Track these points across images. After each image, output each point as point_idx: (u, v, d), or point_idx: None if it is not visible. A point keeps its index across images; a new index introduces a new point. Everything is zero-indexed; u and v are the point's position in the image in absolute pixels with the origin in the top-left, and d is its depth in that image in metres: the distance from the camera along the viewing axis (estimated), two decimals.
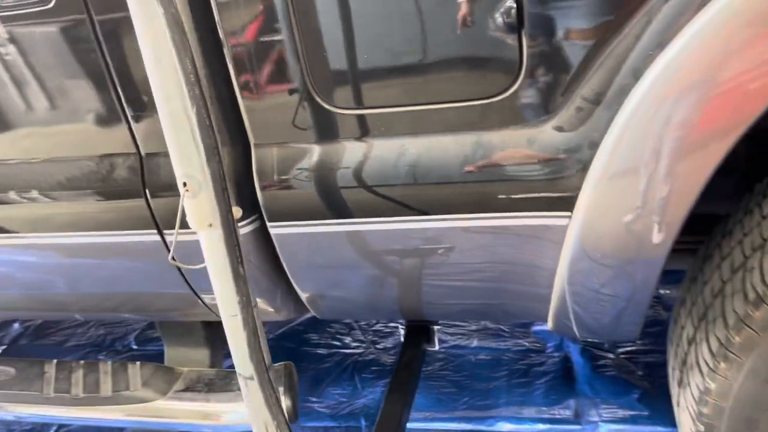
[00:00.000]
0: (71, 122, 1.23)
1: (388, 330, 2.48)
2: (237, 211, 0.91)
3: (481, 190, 1.09)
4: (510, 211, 1.08)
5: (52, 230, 1.34)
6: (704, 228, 1.34)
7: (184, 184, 0.89)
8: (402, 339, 2.37)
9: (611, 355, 2.16)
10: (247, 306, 0.94)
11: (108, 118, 1.20)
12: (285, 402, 1.38)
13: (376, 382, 2.21)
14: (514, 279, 1.23)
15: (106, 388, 1.45)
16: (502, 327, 2.40)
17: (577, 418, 1.94)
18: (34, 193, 1.32)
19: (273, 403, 1.03)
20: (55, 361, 1.55)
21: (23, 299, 1.53)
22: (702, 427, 1.19)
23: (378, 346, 2.39)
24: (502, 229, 1.11)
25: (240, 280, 0.93)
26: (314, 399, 2.16)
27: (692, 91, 0.92)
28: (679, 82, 0.92)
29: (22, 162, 1.31)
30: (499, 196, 1.08)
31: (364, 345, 2.41)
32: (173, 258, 0.93)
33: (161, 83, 0.83)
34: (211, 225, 0.91)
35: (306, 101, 1.11)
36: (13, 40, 1.16)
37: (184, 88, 0.83)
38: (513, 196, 1.07)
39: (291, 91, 1.11)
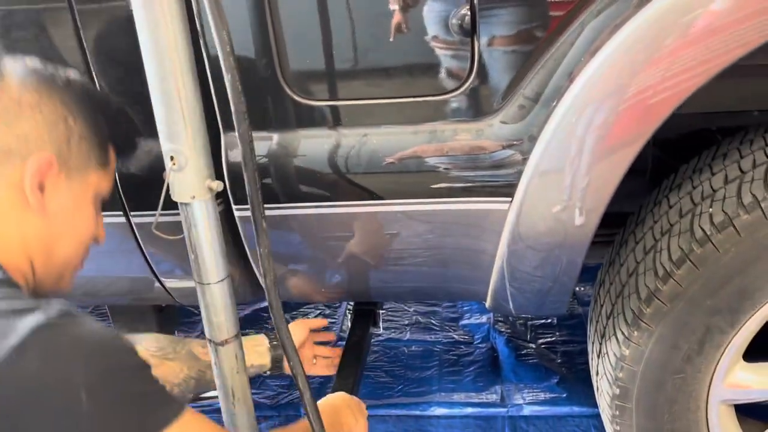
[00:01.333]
0: None
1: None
2: (218, 185, 0.99)
3: (433, 177, 1.21)
4: (458, 197, 1.22)
5: None
6: (617, 222, 1.53)
7: (171, 158, 0.96)
8: (349, 323, 2.47)
9: (533, 345, 2.35)
10: (227, 274, 1.02)
11: None
12: None
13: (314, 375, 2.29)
14: (458, 262, 1.36)
15: None
16: (432, 321, 2.54)
17: (503, 402, 2.10)
18: None
19: (241, 367, 1.10)
20: None
21: None
22: (617, 390, 1.36)
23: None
24: (450, 214, 1.24)
25: (222, 247, 1.01)
26: (254, 390, 2.20)
27: (609, 100, 1.08)
28: (599, 89, 1.08)
29: None
30: (450, 183, 1.21)
31: None
32: (156, 228, 1.00)
33: (157, 64, 0.91)
34: (194, 197, 0.98)
35: (275, 91, 1.20)
36: None
37: (178, 69, 0.91)
38: (462, 183, 1.21)
39: (260, 81, 1.19)
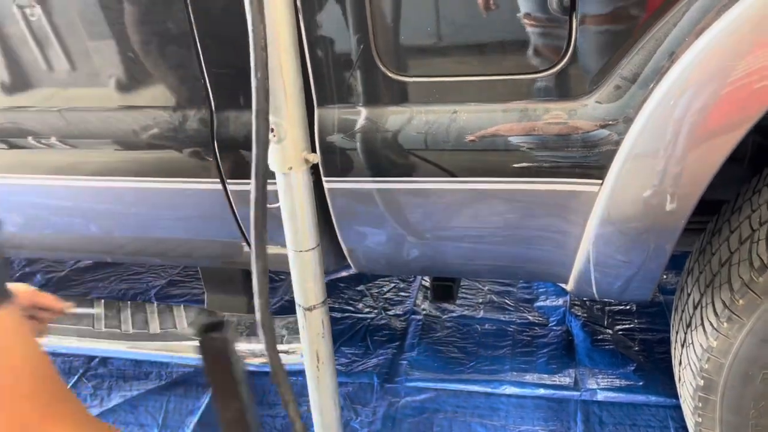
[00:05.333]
0: (151, 75, 1.34)
1: (398, 298, 2.62)
2: (315, 157, 1.03)
3: (522, 156, 1.21)
4: (547, 177, 1.21)
5: (122, 175, 1.45)
6: (708, 210, 1.48)
7: (272, 130, 1.00)
8: (422, 298, 2.52)
9: (609, 331, 2.31)
10: (318, 243, 1.06)
11: (186, 74, 1.30)
12: None
13: (387, 345, 2.34)
14: (541, 244, 1.35)
15: (155, 326, 1.57)
16: (506, 301, 2.54)
17: (576, 386, 2.08)
18: (108, 140, 1.42)
19: (327, 332, 1.15)
20: (103, 300, 1.66)
21: (83, 240, 1.64)
22: (702, 382, 1.33)
23: (389, 312, 2.52)
24: (537, 194, 1.24)
25: (315, 217, 1.05)
26: None
27: (711, 83, 1.04)
28: (702, 72, 1.04)
29: (100, 109, 1.42)
30: (538, 163, 1.20)
31: (375, 311, 2.54)
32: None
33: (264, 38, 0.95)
34: (291, 168, 1.02)
35: (368, 67, 1.22)
36: None
37: (282, 44, 0.94)
38: (551, 164, 1.20)
39: (355, 57, 1.22)
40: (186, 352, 1.57)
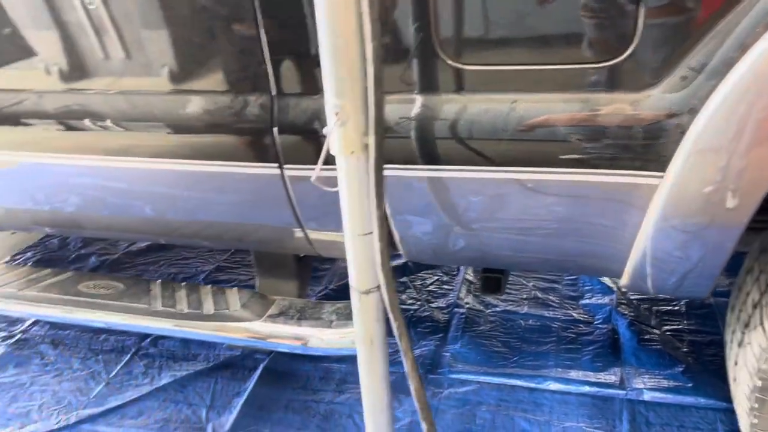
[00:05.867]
0: (214, 60, 1.37)
1: (441, 291, 2.62)
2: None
3: (583, 147, 1.20)
4: (607, 168, 1.20)
5: (180, 158, 1.49)
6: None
7: (336, 114, 1.02)
8: (465, 292, 2.52)
9: (657, 332, 2.27)
10: (382, 224, 1.07)
11: (249, 60, 1.33)
12: None
13: (430, 336, 2.35)
14: (596, 237, 1.34)
15: (209, 307, 1.61)
16: (551, 297, 2.52)
17: (622, 384, 2.05)
18: (168, 123, 1.46)
19: (381, 317, 1.16)
20: (159, 280, 1.71)
21: (137, 222, 1.69)
22: (759, 383, 1.30)
23: (432, 305, 2.53)
24: (598, 186, 1.23)
25: (379, 199, 1.06)
26: None
27: None
28: None
29: (161, 93, 1.46)
30: (600, 154, 1.19)
31: (419, 302, 2.55)
32: (315, 180, 1.07)
33: (331, 21, 0.96)
34: (353, 152, 1.04)
35: (428, 55, 1.23)
36: None
37: (350, 28, 0.96)
38: (610, 155, 1.19)
39: (414, 44, 1.23)
40: (238, 333, 1.61)
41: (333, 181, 1.13)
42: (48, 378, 2.20)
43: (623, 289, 1.66)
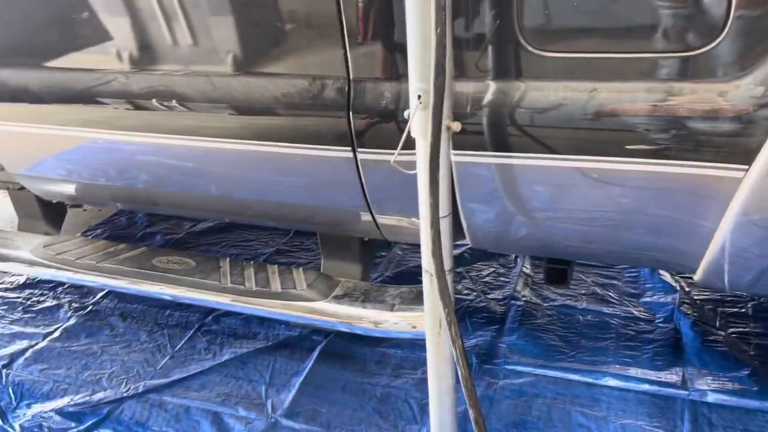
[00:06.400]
0: (296, 44, 1.41)
1: (498, 283, 2.62)
2: (457, 125, 1.05)
3: (664, 137, 1.18)
4: (688, 160, 1.18)
5: (254, 138, 1.53)
6: None
7: (418, 97, 1.03)
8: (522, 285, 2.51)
9: (722, 333, 2.22)
10: (436, 211, 1.08)
11: (327, 44, 1.36)
12: None
13: (486, 327, 2.35)
14: (672, 230, 1.32)
15: (276, 285, 1.65)
16: (610, 293, 2.48)
17: (684, 385, 2.01)
18: (244, 104, 1.51)
19: (449, 301, 1.18)
20: (228, 258, 1.77)
21: (214, 201, 1.75)
22: None
23: (488, 296, 2.53)
24: (678, 178, 1.21)
25: (437, 187, 1.08)
26: None
27: None
28: None
29: (239, 75, 1.51)
30: (681, 145, 1.17)
31: (474, 293, 2.55)
32: (395, 162, 1.09)
33: (418, 7, 0.98)
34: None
35: (509, 41, 1.23)
36: None
37: (434, 13, 0.97)
38: (695, 146, 1.16)
39: (495, 31, 1.23)
40: (304, 312, 1.65)
41: (408, 165, 1.15)
42: (117, 348, 2.30)
43: (697, 284, 1.61)
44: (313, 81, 1.42)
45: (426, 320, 1.23)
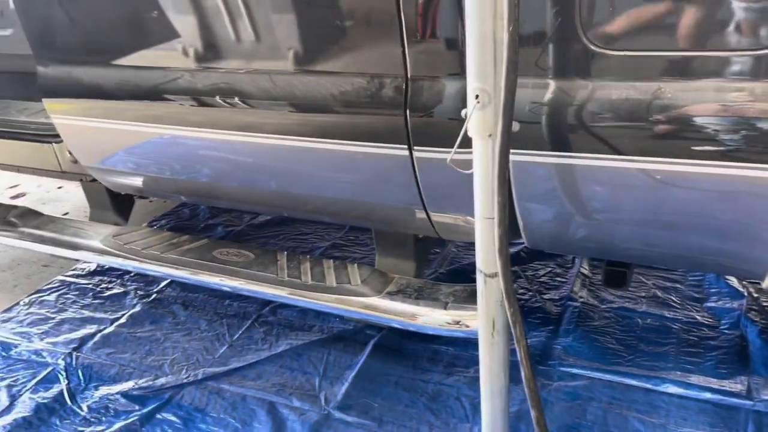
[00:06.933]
0: (353, 42, 1.42)
1: (554, 283, 2.57)
2: (515, 125, 1.04)
3: (732, 138, 1.14)
4: (758, 162, 1.13)
5: (313, 136, 1.56)
6: None
7: (476, 97, 1.03)
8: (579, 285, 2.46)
9: None
10: (504, 209, 1.07)
11: (386, 43, 1.37)
12: None
13: (542, 328, 2.32)
14: (740, 235, 1.27)
15: (331, 280, 1.68)
16: (672, 297, 2.41)
17: (749, 394, 1.94)
18: (303, 102, 1.54)
19: (514, 301, 1.17)
20: (286, 252, 1.81)
21: (275, 196, 1.79)
22: None
23: (544, 296, 2.49)
24: (744, 181, 1.16)
25: (505, 185, 1.07)
26: None
27: None
28: None
29: (297, 73, 1.54)
30: (750, 146, 1.13)
31: (530, 293, 2.52)
32: (451, 161, 1.09)
33: (478, 6, 0.97)
34: (490, 135, 1.05)
35: (571, 39, 1.21)
36: None
37: (498, 12, 0.96)
38: (762, 147, 1.12)
39: (556, 28, 1.21)
40: (358, 307, 1.67)
41: (464, 164, 1.15)
42: (179, 336, 2.39)
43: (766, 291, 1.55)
44: (371, 79, 1.44)
45: (480, 320, 1.23)
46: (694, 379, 2.02)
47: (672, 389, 1.99)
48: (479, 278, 1.19)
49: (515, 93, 1.00)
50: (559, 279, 2.59)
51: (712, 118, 1.14)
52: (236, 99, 1.63)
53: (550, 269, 2.68)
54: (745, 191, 1.18)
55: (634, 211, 1.34)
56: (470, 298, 1.62)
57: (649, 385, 2.02)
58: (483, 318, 1.22)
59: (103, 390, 2.14)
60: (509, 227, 1.49)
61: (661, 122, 1.18)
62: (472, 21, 0.99)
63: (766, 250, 1.25)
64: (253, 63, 1.57)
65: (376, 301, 1.64)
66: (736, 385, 1.98)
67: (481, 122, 1.05)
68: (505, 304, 1.12)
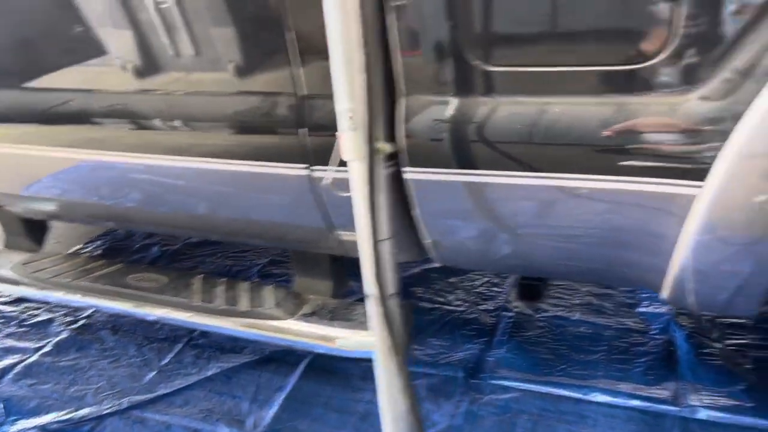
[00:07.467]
0: (244, 62, 1.39)
1: (490, 293, 2.56)
2: (389, 147, 1.02)
3: (616, 153, 1.13)
4: (642, 176, 1.12)
5: (213, 156, 1.52)
6: None
7: (347, 118, 1.00)
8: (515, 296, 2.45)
9: (718, 345, 2.13)
10: (391, 233, 1.05)
11: (278, 62, 1.34)
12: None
13: (475, 340, 2.30)
14: (634, 245, 1.26)
15: (244, 303, 1.64)
16: (605, 304, 2.41)
17: (675, 400, 1.94)
18: (202, 122, 1.49)
19: (398, 324, 1.14)
20: (201, 275, 1.76)
21: (179, 219, 1.74)
22: None
23: (479, 307, 2.48)
24: (631, 194, 1.15)
25: (388, 208, 1.04)
26: (416, 346, 2.28)
27: None
28: None
29: (197, 93, 1.50)
30: (633, 161, 1.12)
31: (465, 304, 2.50)
32: (331, 184, 1.06)
33: (341, 27, 0.95)
34: (362, 156, 1.02)
35: (455, 56, 1.19)
36: None
37: (358, 33, 0.94)
38: (647, 162, 1.11)
39: (441, 47, 1.19)
40: (269, 331, 1.63)
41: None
42: (105, 363, 2.32)
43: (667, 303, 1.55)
44: (265, 98, 1.40)
45: (376, 345, 1.20)
46: (623, 386, 2.02)
47: (601, 398, 1.99)
48: (368, 302, 1.16)
49: (378, 113, 0.97)
50: (495, 289, 2.58)
51: (595, 133, 1.13)
52: (130, 120, 1.58)
53: (487, 279, 2.67)
54: (633, 205, 1.18)
55: (535, 226, 1.32)
56: None
57: (578, 395, 2.01)
58: (378, 342, 1.19)
59: (21, 424, 2.06)
60: (415, 246, 1.48)
61: (546, 137, 1.16)
62: (334, 43, 0.97)
63: (658, 260, 1.24)
64: (146, 83, 1.53)
65: (288, 324, 1.61)
66: (663, 391, 1.99)
67: (353, 144, 1.02)
68: (385, 328, 1.10)
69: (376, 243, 1.06)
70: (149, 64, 1.50)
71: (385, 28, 1.19)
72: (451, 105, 1.23)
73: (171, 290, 1.76)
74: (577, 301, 2.44)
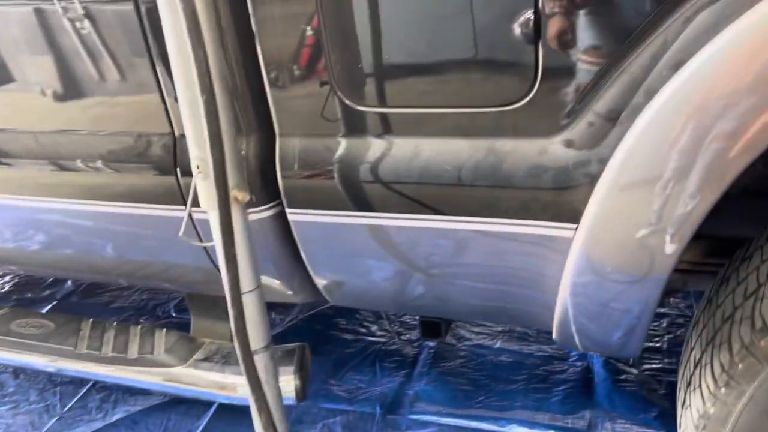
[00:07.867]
0: (115, 100, 1.32)
1: (415, 322, 2.51)
2: (244, 196, 0.96)
3: (490, 195, 1.10)
4: (516, 219, 1.10)
5: (91, 198, 1.43)
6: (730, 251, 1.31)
7: (198, 167, 0.94)
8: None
9: (635, 371, 2.13)
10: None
11: (148, 99, 1.27)
12: (294, 381, 1.44)
13: (396, 372, 2.25)
14: (518, 285, 1.24)
15: (133, 350, 1.55)
16: (527, 331, 2.39)
17: (589, 429, 1.92)
18: (78, 163, 1.41)
19: (271, 379, 1.08)
20: (91, 320, 1.65)
21: (70, 261, 1.64)
22: None
23: (402, 337, 2.43)
24: (508, 236, 1.12)
25: (253, 257, 0.98)
26: (334, 382, 2.22)
27: (701, 115, 0.90)
28: (688, 105, 0.91)
29: (69, 132, 1.41)
30: (507, 203, 1.09)
31: (389, 335, 2.45)
32: (183, 234, 0.99)
33: (182, 72, 0.89)
34: (218, 206, 0.96)
35: (329, 97, 1.14)
36: (68, 18, 1.25)
37: (197, 78, 0.88)
38: (520, 204, 1.08)
39: (315, 85, 1.15)
40: (158, 378, 1.54)
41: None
42: (3, 410, 2.17)
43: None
44: (138, 138, 1.33)
45: (249, 400, 1.13)
46: (540, 416, 2.00)
47: (518, 430, 1.96)
48: (239, 357, 1.09)
49: (234, 160, 0.91)
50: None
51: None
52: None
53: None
54: (512, 248, 1.15)
55: (414, 266, 1.28)
56: (284, 360, 1.52)
57: (496, 427, 1.98)
58: (250, 398, 1.12)
59: None
60: (310, 287, 1.42)
61: (422, 178, 1.13)
62: (180, 88, 0.90)
63: (546, 302, 1.21)
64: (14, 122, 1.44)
65: (178, 371, 1.52)
66: (579, 420, 1.97)
67: (207, 193, 0.96)
68: (252, 383, 1.03)
69: (237, 295, 0.99)
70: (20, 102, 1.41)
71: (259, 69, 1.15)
72: (323, 145, 1.18)
73: (57, 337, 1.65)
74: (500, 329, 2.42)
